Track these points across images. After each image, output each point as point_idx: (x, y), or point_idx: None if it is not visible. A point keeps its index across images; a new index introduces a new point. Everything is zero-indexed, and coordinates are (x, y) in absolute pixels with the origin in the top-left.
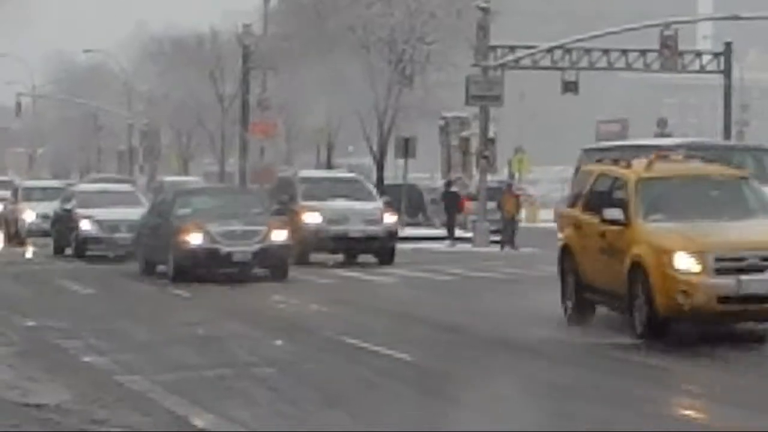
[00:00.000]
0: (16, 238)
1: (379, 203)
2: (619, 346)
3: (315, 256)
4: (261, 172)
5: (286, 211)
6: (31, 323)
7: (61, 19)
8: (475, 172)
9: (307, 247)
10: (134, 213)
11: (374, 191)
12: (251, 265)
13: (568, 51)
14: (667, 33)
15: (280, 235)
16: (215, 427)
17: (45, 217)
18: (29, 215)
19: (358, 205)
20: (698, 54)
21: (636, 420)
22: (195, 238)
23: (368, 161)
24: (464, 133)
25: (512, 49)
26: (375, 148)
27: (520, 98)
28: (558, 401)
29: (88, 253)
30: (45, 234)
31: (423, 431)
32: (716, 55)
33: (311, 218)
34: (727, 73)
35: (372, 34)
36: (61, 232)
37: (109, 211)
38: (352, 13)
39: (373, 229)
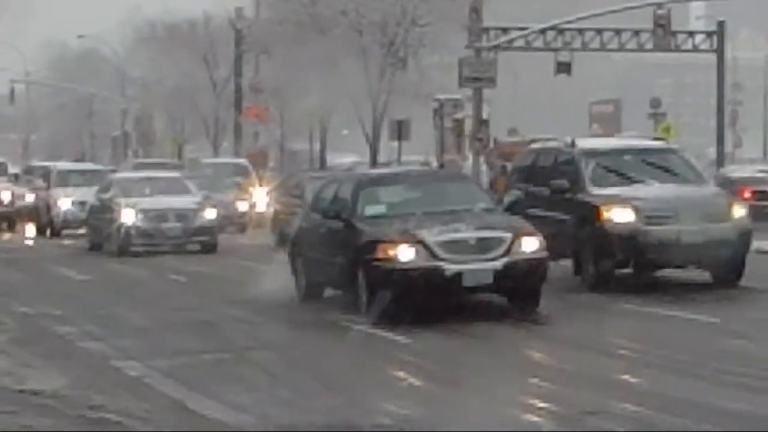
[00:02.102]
0: (50, 229)
1: (712, 186)
2: None
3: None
4: (255, 156)
5: (555, 204)
6: (26, 310)
7: (54, 4)
8: (468, 153)
9: (614, 259)
10: (183, 202)
11: (699, 167)
12: (489, 290)
13: (561, 32)
14: (659, 12)
15: (530, 244)
16: (213, 412)
17: (82, 205)
18: (64, 203)
19: (686, 190)
20: (691, 33)
21: None
22: (404, 254)
23: (316, 146)
24: (458, 115)
25: (505, 30)
26: (369, 131)
27: (513, 80)
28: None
29: (133, 248)
30: (83, 224)
31: (421, 414)
32: (709, 34)
33: (621, 215)
34: (719, 52)
35: (364, 18)
36: (98, 225)
37: (155, 200)
38: None
39: (717, 228)
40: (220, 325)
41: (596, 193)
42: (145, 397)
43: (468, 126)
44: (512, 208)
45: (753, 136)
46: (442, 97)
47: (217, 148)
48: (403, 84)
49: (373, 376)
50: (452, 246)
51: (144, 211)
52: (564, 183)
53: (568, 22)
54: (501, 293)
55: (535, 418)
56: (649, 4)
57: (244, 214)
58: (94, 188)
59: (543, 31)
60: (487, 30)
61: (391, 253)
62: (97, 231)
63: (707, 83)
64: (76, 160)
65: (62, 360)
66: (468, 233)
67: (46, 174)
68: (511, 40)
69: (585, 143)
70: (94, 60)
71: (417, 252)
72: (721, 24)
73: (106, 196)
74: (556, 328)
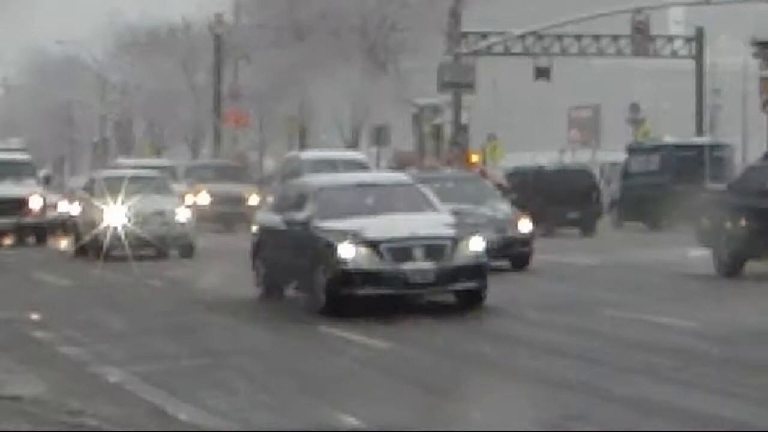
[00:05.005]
0: (95, 249)
1: None
2: None
3: None
4: (235, 160)
5: None
6: (6, 315)
7: (33, 9)
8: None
9: None
10: (432, 225)
11: None
12: None
13: (541, 37)
14: (638, 18)
15: None
16: (193, 417)
17: (138, 219)
18: (114, 217)
19: None
20: (670, 39)
21: None
22: None
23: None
24: (437, 120)
25: (484, 35)
26: (348, 135)
27: (492, 85)
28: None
29: (354, 301)
30: (138, 243)
31: (400, 418)
32: (688, 39)
33: None
34: (698, 57)
35: (343, 23)
36: (283, 263)
37: (386, 222)
38: (323, 1)
39: None
40: (199, 330)
41: None
42: (124, 403)
43: (447, 131)
44: None
45: (732, 141)
46: (421, 102)
47: (197, 153)
48: (382, 89)
49: (351, 380)
50: None
51: (371, 244)
52: None
53: (548, 27)
54: None
55: (516, 423)
56: (628, 10)
57: (529, 239)
58: (151, 197)
59: (522, 37)
60: (466, 35)
61: None
62: (282, 271)
63: (686, 89)
64: (56, 168)
65: (42, 365)
66: None
67: (90, 181)
68: (491, 46)
69: None
70: (74, 65)
71: None
72: (699, 30)
73: (300, 215)
74: (536, 334)
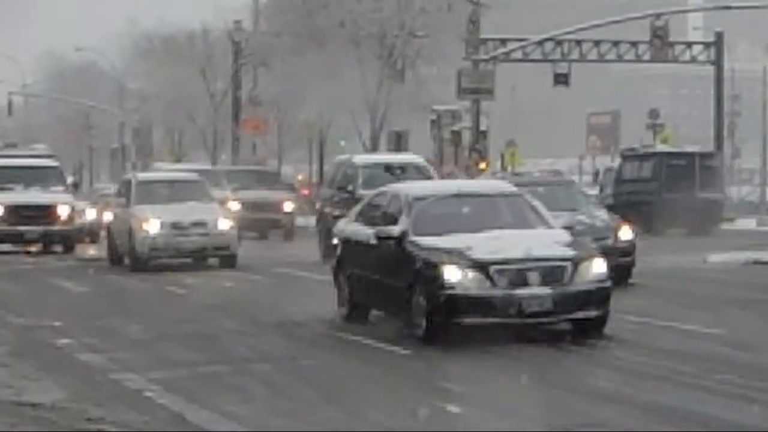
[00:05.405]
0: (132, 258)
1: None
2: None
3: None
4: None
5: None
6: (24, 322)
7: (52, 17)
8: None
9: None
10: (544, 242)
11: None
12: None
13: (559, 43)
14: (657, 24)
15: None
16: (212, 424)
17: (178, 228)
18: (153, 225)
19: None
20: (689, 45)
21: None
22: None
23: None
24: (456, 127)
25: (503, 41)
26: (367, 142)
27: (511, 91)
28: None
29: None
30: (177, 253)
31: (419, 427)
32: (707, 45)
33: None
34: (718, 63)
35: (362, 29)
36: (373, 281)
37: (495, 240)
38: (342, 9)
39: None
40: (218, 337)
41: None
42: (143, 410)
43: (466, 137)
44: None
45: (751, 147)
46: (440, 108)
47: (216, 159)
48: (401, 95)
49: (373, 389)
50: None
51: (481, 266)
52: None
53: (566, 33)
54: None
55: (533, 429)
56: (647, 15)
57: (631, 248)
58: (190, 204)
59: (541, 43)
60: (485, 41)
61: None
62: (371, 291)
63: (705, 94)
64: (75, 174)
65: (61, 372)
66: None
67: (125, 185)
68: (509, 52)
69: None
70: (92, 72)
71: None
72: (719, 35)
73: (394, 229)
74: (555, 340)
